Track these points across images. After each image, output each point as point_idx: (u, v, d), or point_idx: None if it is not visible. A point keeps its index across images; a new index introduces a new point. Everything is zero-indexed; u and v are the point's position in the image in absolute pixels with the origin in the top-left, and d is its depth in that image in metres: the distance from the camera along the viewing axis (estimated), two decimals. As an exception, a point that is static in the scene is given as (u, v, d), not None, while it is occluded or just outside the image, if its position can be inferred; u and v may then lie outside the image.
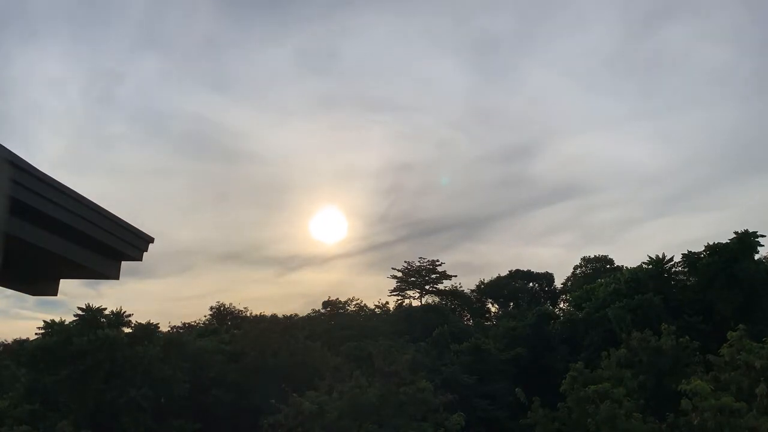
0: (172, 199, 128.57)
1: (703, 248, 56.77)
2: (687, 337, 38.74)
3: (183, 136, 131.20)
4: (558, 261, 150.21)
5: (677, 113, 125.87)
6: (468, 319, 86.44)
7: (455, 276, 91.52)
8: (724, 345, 28.46)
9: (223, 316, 79.08)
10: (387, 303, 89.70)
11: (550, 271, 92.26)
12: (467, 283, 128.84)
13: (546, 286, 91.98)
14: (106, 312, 53.44)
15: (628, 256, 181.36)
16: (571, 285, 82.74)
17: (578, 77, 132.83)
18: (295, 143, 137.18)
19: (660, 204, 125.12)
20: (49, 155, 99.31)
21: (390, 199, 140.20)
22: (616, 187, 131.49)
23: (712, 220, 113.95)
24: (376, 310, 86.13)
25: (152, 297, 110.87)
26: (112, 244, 4.76)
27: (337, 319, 76.77)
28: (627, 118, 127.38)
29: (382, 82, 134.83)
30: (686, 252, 58.36)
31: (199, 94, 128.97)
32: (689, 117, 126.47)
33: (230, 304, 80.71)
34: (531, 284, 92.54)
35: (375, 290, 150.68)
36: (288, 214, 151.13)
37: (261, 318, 60.41)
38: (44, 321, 51.44)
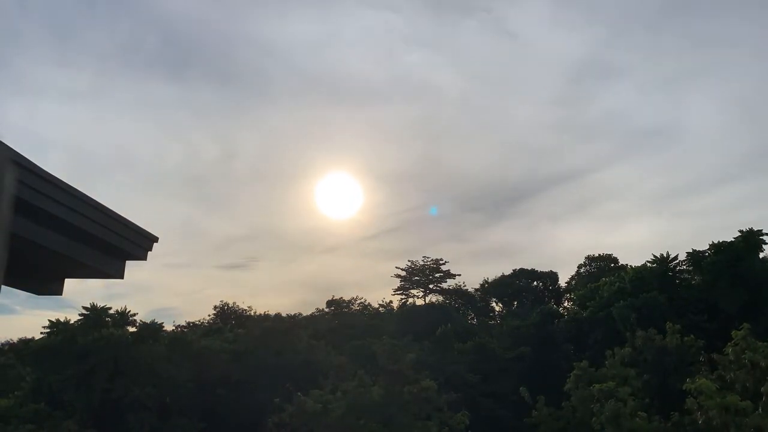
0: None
1: (708, 247, 56.63)
2: (692, 336, 38.66)
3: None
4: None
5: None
6: (472, 318, 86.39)
7: (459, 275, 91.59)
8: (729, 344, 28.36)
9: (227, 315, 79.25)
10: (391, 302, 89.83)
11: (554, 270, 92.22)
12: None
13: (550, 285, 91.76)
14: (111, 311, 53.63)
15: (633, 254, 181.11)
16: (576, 284, 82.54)
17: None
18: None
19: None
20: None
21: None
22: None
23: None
24: (380, 309, 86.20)
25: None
26: (116, 244, 4.77)
27: (341, 318, 76.86)
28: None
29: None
30: (691, 250, 58.27)
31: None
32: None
33: (234, 303, 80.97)
34: (535, 283, 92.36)
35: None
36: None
37: (265, 317, 60.45)
38: (49, 320, 51.63)
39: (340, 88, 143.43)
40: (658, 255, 60.69)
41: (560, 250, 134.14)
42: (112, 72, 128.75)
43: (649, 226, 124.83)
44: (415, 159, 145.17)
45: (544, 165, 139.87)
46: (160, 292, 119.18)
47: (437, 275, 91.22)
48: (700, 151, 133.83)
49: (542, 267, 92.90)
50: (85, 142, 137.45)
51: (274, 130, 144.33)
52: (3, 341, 78.50)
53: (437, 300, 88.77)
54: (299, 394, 33.10)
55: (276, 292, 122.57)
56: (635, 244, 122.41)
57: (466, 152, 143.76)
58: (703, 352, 37.49)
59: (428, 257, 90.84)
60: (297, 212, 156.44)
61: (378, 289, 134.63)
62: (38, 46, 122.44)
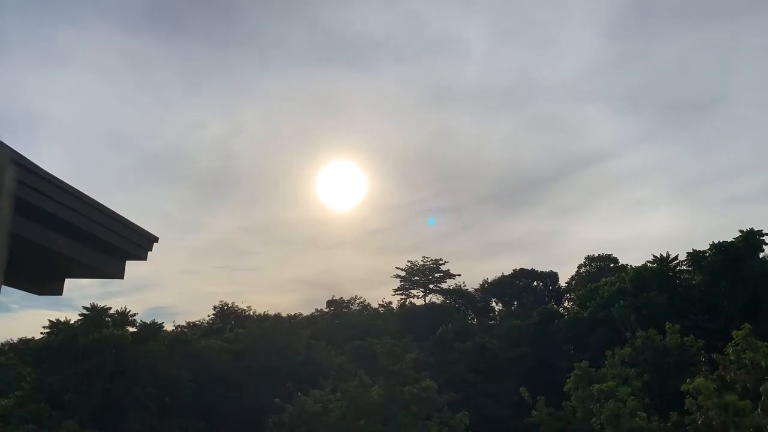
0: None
1: (709, 247, 56.63)
2: (691, 336, 38.67)
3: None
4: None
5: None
6: (472, 318, 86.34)
7: (459, 275, 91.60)
8: (730, 344, 28.36)
9: (227, 315, 79.31)
10: (391, 302, 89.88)
11: (554, 270, 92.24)
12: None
13: (550, 285, 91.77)
14: (111, 311, 53.65)
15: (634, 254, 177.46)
16: (576, 284, 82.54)
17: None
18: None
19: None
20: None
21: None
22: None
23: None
24: (380, 309, 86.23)
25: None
26: (117, 244, 4.77)
27: (341, 318, 76.90)
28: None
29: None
30: (691, 250, 58.27)
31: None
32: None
33: (233, 303, 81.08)
34: (535, 283, 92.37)
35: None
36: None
37: (265, 317, 60.52)
38: (49, 320, 51.68)
39: (352, 48, 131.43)
40: (658, 255, 60.77)
41: (581, 242, 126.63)
42: (91, 29, 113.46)
43: (676, 214, 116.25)
44: (426, 140, 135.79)
45: (568, 144, 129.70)
46: (157, 289, 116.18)
47: (437, 275, 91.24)
48: (741, 129, 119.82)
49: (557, 262, 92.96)
50: (63, 114, 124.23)
51: (278, 104, 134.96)
52: (3, 341, 78.52)
53: (437, 300, 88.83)
54: (299, 394, 33.10)
55: (277, 289, 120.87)
56: (660, 235, 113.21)
57: (484, 130, 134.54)
58: (703, 352, 37.48)
59: (428, 257, 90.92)
60: (300, 203, 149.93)
61: (384, 284, 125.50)
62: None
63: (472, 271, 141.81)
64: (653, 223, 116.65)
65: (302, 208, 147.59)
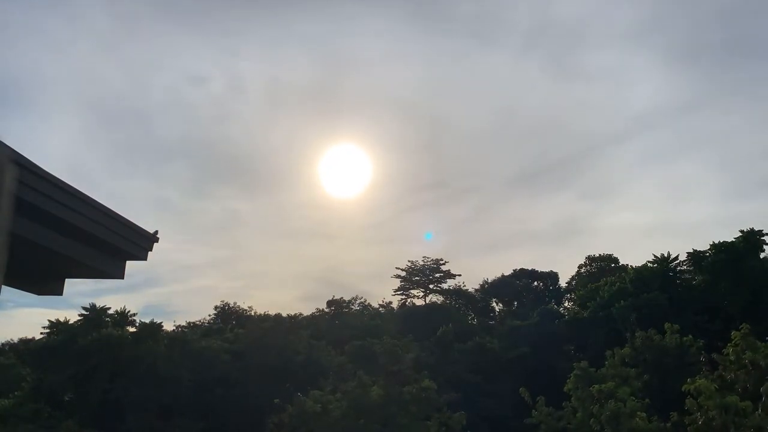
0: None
1: (709, 247, 56.61)
2: (691, 336, 38.64)
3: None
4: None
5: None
6: (472, 319, 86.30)
7: (459, 275, 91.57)
8: (730, 344, 28.35)
9: (227, 315, 79.31)
10: (391, 302, 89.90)
11: (554, 270, 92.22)
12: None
13: (550, 285, 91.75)
14: (111, 311, 53.65)
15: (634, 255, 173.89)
16: (576, 284, 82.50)
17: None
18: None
19: None
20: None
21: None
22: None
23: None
24: (380, 309, 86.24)
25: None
26: (117, 244, 4.76)
27: (341, 318, 76.89)
28: None
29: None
30: (692, 251, 58.25)
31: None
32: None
33: (234, 303, 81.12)
34: (535, 283, 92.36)
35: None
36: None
37: (265, 317, 60.46)
38: (49, 320, 51.69)
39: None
40: (658, 255, 60.76)
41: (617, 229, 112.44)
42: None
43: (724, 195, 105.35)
44: (436, 117, 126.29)
45: (598, 119, 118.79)
46: (154, 285, 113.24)
47: (437, 275, 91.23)
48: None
49: (543, 267, 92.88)
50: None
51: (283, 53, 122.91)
52: (3, 341, 78.56)
53: (437, 300, 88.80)
54: (299, 394, 33.11)
55: (278, 286, 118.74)
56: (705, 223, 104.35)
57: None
58: (703, 352, 37.41)
59: (428, 257, 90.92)
60: (303, 192, 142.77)
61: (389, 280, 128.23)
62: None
63: (489, 262, 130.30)
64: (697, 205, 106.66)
65: (306, 194, 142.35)
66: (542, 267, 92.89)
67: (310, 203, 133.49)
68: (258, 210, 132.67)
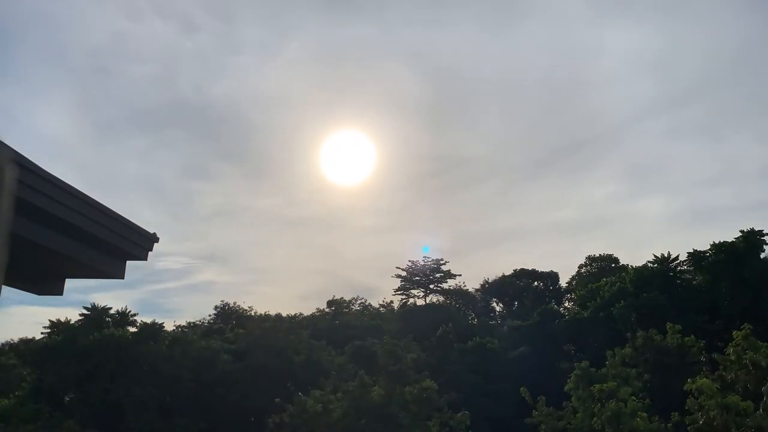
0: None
1: (709, 247, 56.58)
2: (692, 336, 38.64)
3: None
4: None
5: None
6: (473, 319, 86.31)
7: (459, 275, 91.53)
8: (730, 344, 28.35)
9: (227, 315, 79.39)
10: (391, 302, 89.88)
11: (555, 270, 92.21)
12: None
13: (551, 285, 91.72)
14: (112, 311, 53.67)
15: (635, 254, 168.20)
16: (576, 284, 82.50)
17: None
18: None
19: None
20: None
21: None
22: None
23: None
24: (381, 309, 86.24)
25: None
26: (117, 244, 4.76)
27: (341, 318, 76.92)
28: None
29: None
30: (692, 251, 58.22)
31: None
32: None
33: (234, 303, 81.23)
34: (536, 283, 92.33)
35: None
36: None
37: (266, 317, 60.48)
38: (50, 320, 51.71)
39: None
40: (659, 255, 60.73)
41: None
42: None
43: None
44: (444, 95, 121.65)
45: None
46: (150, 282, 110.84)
47: (438, 275, 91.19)
48: None
49: (543, 267, 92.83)
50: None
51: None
52: (3, 341, 78.62)
53: (438, 300, 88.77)
54: (300, 394, 33.11)
55: (279, 282, 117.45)
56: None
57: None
58: (704, 352, 37.43)
59: (428, 257, 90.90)
60: (305, 181, 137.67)
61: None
62: None
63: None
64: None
65: (310, 183, 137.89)
66: (542, 267, 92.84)
67: (313, 190, 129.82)
68: (259, 192, 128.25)
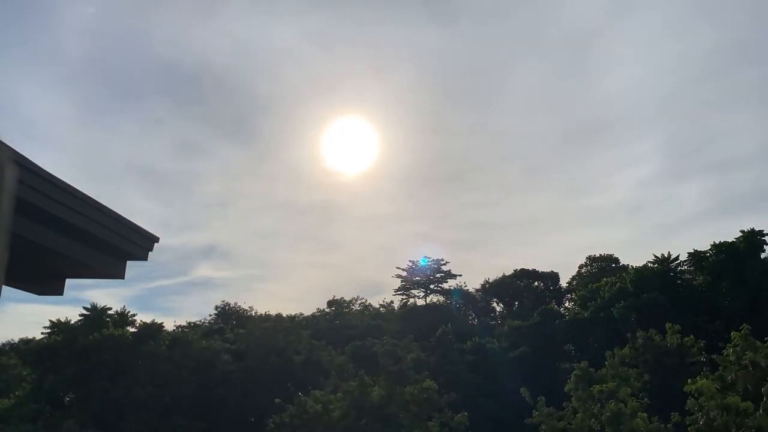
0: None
1: (710, 247, 56.60)
2: (692, 336, 38.63)
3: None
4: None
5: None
6: (473, 319, 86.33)
7: (460, 275, 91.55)
8: (730, 344, 28.35)
9: (227, 315, 79.43)
10: (392, 302, 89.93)
11: (555, 270, 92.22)
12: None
13: (551, 286, 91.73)
14: (111, 311, 53.63)
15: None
16: (577, 284, 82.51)
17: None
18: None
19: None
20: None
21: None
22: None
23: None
24: (381, 309, 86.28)
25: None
26: (117, 244, 4.75)
27: (341, 319, 76.94)
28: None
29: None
30: (692, 251, 58.23)
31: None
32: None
33: (235, 303, 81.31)
34: (536, 283, 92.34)
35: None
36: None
37: (266, 317, 60.49)
38: (50, 320, 51.66)
39: None
40: (659, 255, 60.73)
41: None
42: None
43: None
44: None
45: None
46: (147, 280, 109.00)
47: (438, 275, 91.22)
48: None
49: (543, 267, 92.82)
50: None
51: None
52: (3, 341, 78.64)
53: (438, 300, 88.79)
54: (300, 394, 33.11)
55: (279, 279, 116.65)
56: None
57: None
58: (704, 352, 37.42)
59: (429, 257, 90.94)
60: (307, 173, 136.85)
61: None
62: None
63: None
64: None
65: (311, 176, 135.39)
66: (543, 267, 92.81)
67: (315, 174, 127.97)
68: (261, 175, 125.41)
